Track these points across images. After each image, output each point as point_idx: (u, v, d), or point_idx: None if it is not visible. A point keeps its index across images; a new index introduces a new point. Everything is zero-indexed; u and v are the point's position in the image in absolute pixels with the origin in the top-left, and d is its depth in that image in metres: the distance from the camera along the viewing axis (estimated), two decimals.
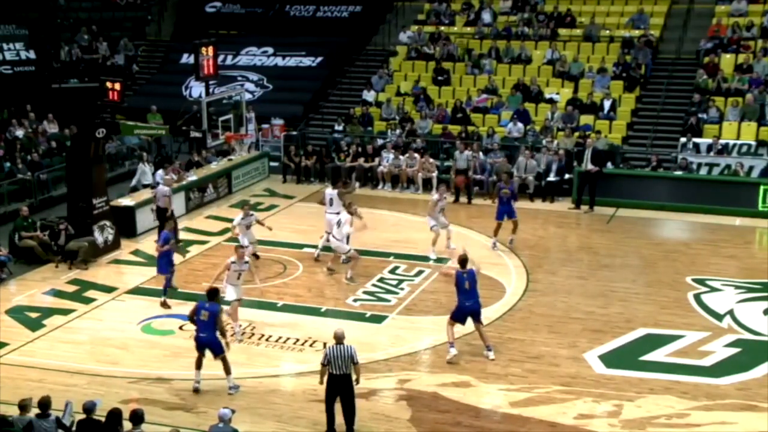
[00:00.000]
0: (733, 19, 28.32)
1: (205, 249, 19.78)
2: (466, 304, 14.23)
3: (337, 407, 12.04)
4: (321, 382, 12.04)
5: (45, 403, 10.95)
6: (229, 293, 15.06)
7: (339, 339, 11.96)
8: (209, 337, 13.15)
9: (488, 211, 22.98)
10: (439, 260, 18.75)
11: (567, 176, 23.70)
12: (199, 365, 13.32)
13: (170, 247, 16.73)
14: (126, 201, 21.25)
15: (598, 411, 12.79)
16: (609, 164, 24.07)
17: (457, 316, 14.36)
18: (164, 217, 19.61)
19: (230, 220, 22.04)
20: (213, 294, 13.41)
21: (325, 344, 14.65)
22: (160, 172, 22.89)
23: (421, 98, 27.80)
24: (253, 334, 15.32)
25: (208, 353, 13.27)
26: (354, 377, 11.98)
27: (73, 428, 10.96)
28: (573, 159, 23.82)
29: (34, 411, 11.06)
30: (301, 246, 19.78)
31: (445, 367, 14.13)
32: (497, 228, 19.71)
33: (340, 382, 11.82)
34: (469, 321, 14.44)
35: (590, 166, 22.70)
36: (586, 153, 22.90)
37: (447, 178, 24.28)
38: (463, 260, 14.41)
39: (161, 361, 14.42)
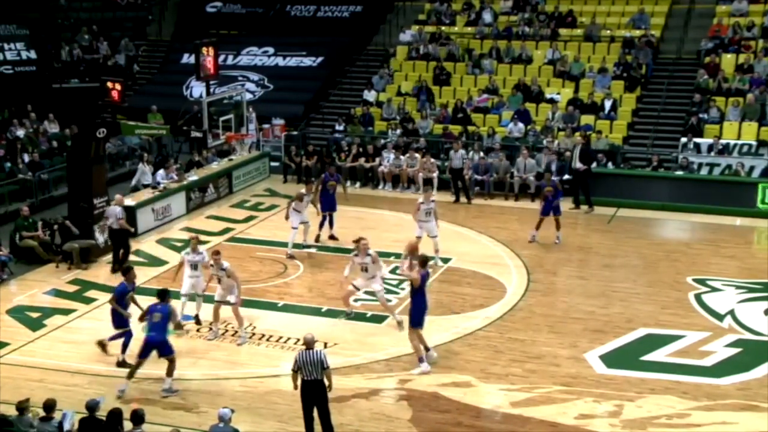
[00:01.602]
0: (734, 19, 28.31)
1: (205, 249, 19.71)
2: (426, 303, 14.10)
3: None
4: (295, 388, 11.93)
5: (49, 406, 10.94)
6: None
7: (309, 344, 11.80)
8: (159, 338, 13.24)
9: (488, 210, 23.07)
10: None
11: (566, 177, 23.64)
12: (132, 374, 13.32)
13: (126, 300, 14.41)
14: (127, 201, 21.19)
15: (599, 411, 12.79)
16: (610, 164, 24.08)
17: (422, 319, 14.01)
18: (120, 240, 18.54)
19: (231, 220, 22.21)
20: (163, 295, 13.53)
21: (326, 344, 14.69)
22: (160, 171, 22.94)
23: (422, 93, 27.82)
24: (253, 334, 15.32)
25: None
26: (327, 383, 11.75)
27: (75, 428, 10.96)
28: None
29: (34, 410, 11.05)
30: (301, 246, 19.77)
31: (445, 367, 14.12)
32: (539, 222, 20.04)
33: (312, 388, 11.68)
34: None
35: (578, 165, 22.69)
36: (574, 152, 22.92)
37: (447, 178, 24.30)
38: (424, 260, 14.18)
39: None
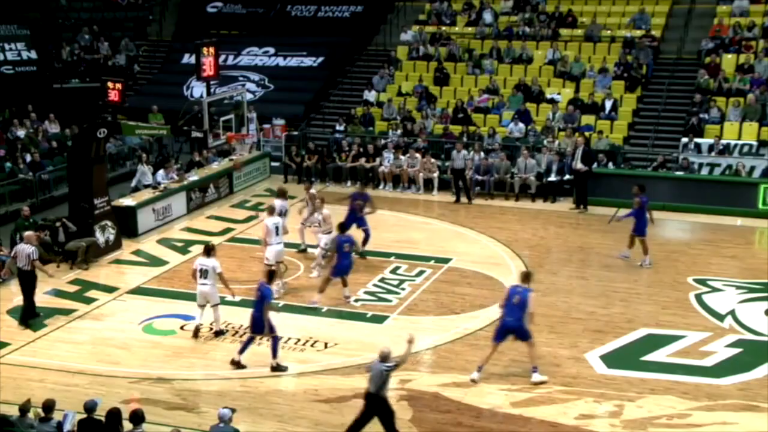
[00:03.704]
0: (735, 19, 28.32)
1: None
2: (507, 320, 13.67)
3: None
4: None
5: (48, 407, 10.91)
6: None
7: (384, 358, 11.54)
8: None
9: (489, 211, 23.05)
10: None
11: (567, 177, 23.62)
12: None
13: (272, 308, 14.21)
14: (127, 201, 21.27)
15: (599, 411, 12.79)
16: (611, 164, 24.08)
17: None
18: (30, 283, 16.04)
19: (232, 220, 22.20)
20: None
21: (326, 344, 14.69)
22: (161, 172, 22.95)
23: (422, 96, 27.86)
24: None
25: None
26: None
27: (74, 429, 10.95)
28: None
29: (34, 410, 11.05)
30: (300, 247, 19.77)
31: (446, 367, 14.13)
32: (631, 241, 18.68)
33: (371, 401, 11.49)
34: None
35: (580, 166, 22.68)
36: (576, 152, 22.91)
37: (447, 178, 24.30)
38: (527, 275, 13.93)
39: (162, 361, 14.43)
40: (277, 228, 16.91)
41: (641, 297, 17.08)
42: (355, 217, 18.96)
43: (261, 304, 13.92)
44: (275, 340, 13.98)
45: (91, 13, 35.41)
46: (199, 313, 15.34)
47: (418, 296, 16.99)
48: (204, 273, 15.01)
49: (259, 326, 13.92)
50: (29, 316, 15.98)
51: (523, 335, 13.50)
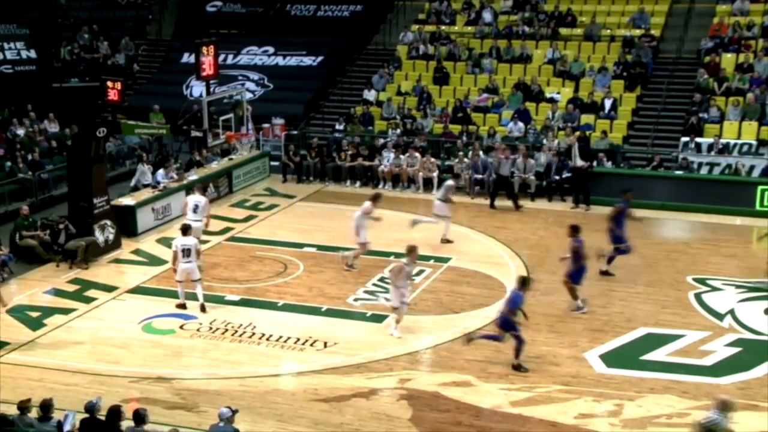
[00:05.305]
0: (734, 19, 28.33)
1: (205, 249, 19.70)
2: None
3: None
4: None
5: (46, 406, 10.90)
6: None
7: (722, 406, 10.20)
8: None
9: (488, 210, 23.02)
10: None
11: (566, 175, 23.61)
12: None
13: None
14: (127, 200, 21.26)
15: (599, 410, 12.79)
16: (610, 164, 24.08)
17: None
18: None
19: (231, 220, 22.21)
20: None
21: (325, 344, 14.70)
22: (160, 171, 22.94)
23: (423, 97, 27.88)
24: (253, 334, 15.32)
25: None
26: None
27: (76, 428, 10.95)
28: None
29: (36, 410, 11.05)
30: (301, 245, 19.77)
31: (445, 366, 14.13)
32: None
33: None
34: None
35: (579, 163, 22.64)
36: (573, 149, 22.88)
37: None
38: None
39: (162, 361, 14.44)
40: (196, 206, 18.44)
41: (641, 296, 17.08)
42: (623, 226, 18.07)
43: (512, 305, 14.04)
44: (519, 342, 13.91)
45: (91, 12, 35.44)
46: (181, 290, 16.32)
47: (417, 296, 16.96)
48: (187, 252, 16.02)
49: (507, 325, 13.95)
50: None
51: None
